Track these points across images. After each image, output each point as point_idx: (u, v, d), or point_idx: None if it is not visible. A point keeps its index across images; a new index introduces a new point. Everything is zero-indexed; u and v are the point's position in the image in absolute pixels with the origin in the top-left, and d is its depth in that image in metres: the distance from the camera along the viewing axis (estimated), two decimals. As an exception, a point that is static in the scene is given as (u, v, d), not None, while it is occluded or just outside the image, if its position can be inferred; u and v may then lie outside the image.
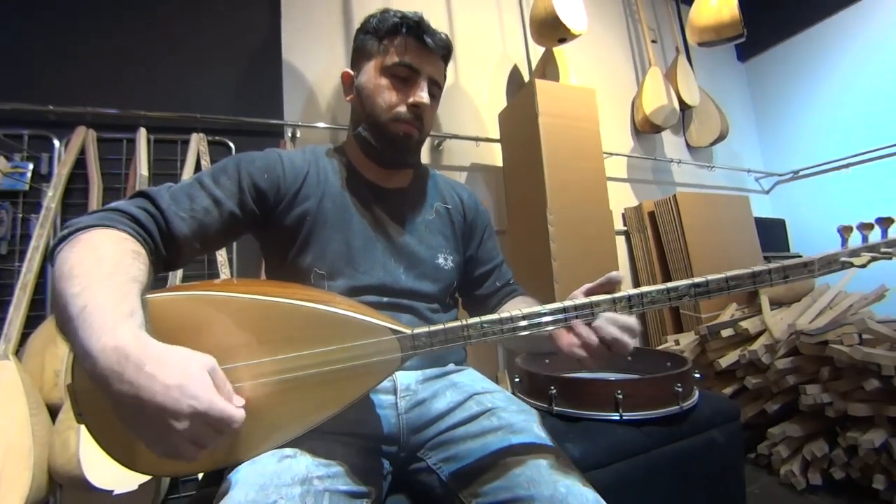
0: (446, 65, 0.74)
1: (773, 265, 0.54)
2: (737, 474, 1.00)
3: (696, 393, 0.93)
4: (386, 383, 0.64)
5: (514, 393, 0.94)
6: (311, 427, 0.51)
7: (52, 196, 1.31)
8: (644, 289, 0.53)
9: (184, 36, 1.58)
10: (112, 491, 0.99)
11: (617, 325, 0.51)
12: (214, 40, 1.61)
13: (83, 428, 0.55)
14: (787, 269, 0.53)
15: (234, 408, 0.41)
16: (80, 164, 1.39)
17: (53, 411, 1.08)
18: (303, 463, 0.49)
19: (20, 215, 1.33)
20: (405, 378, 0.65)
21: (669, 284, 0.53)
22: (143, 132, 1.43)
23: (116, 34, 1.51)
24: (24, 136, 1.39)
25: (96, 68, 1.47)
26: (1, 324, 1.15)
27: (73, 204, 1.37)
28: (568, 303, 0.53)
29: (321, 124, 1.66)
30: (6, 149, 1.35)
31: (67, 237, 0.48)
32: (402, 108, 0.68)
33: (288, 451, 0.50)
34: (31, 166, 1.38)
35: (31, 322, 1.18)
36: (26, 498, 0.93)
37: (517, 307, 0.53)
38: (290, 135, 1.62)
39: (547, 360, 1.10)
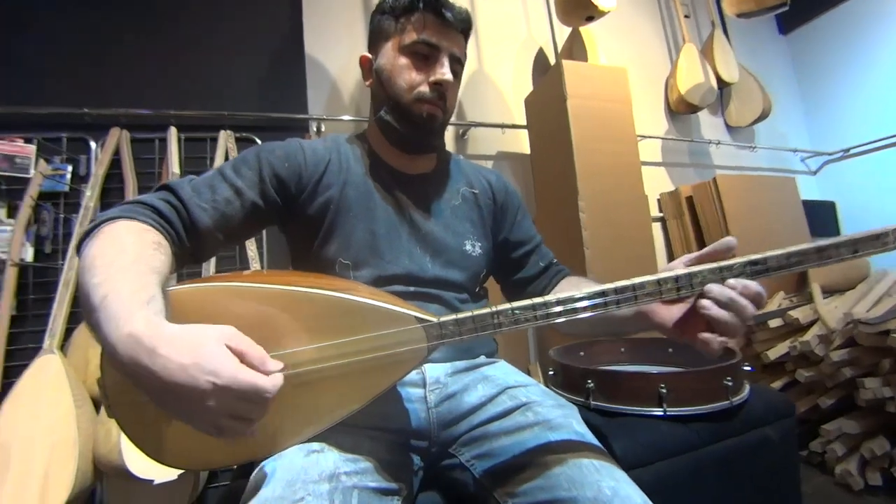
0: (466, 40, 0.71)
1: (840, 238, 0.47)
2: (791, 475, 0.93)
3: (747, 387, 0.86)
4: (414, 376, 0.61)
5: (547, 386, 0.90)
6: (337, 420, 0.49)
7: (90, 196, 1.35)
8: (693, 269, 0.48)
9: (208, 35, 1.61)
10: (152, 480, 1.01)
11: (745, 292, 0.46)
12: (238, 38, 1.63)
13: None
14: (857, 241, 0.47)
15: (260, 377, 0.38)
16: (116, 164, 1.43)
17: (97, 403, 1.12)
18: (330, 458, 0.47)
19: (62, 215, 1.39)
20: (434, 371, 0.63)
21: (722, 263, 0.48)
22: (173, 131, 1.46)
23: (143, 35, 1.55)
24: (63, 138, 1.44)
25: (126, 70, 1.51)
26: (46, 319, 1.20)
27: (111, 203, 1.41)
28: (608, 286, 0.48)
29: (346, 117, 1.67)
30: (47, 152, 1.40)
31: (92, 230, 0.48)
32: (425, 88, 0.65)
33: (315, 445, 0.49)
34: (70, 168, 1.43)
35: (75, 317, 1.23)
36: (72, 487, 0.96)
37: (577, 289, 0.48)
38: (314, 129, 1.63)
39: (581, 353, 1.06)
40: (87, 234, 0.48)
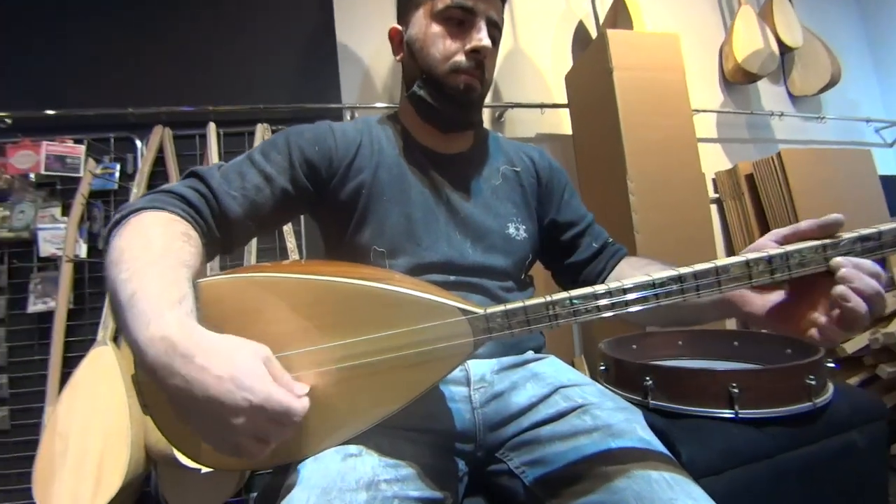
0: (504, 4, 0.64)
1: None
2: (881, 484, 0.82)
3: (831, 387, 0.76)
4: (457, 373, 0.57)
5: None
6: (376, 421, 0.46)
7: (136, 193, 1.39)
8: (790, 247, 0.40)
9: (241, 29, 1.63)
10: (200, 469, 1.03)
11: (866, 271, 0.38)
12: (269, 30, 1.64)
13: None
14: None
15: (293, 398, 0.37)
16: (160, 161, 1.48)
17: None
18: (368, 463, 0.44)
19: (112, 212, 1.44)
20: (478, 368, 0.58)
21: (826, 240, 0.40)
22: (212, 127, 1.49)
23: (180, 33, 1.58)
24: (111, 138, 1.50)
25: (165, 68, 1.56)
26: (99, 312, 1.25)
27: (156, 199, 1.46)
28: (685, 269, 0.41)
29: (379, 104, 1.66)
30: (96, 152, 1.46)
31: (119, 222, 0.46)
32: (461, 57, 0.60)
33: (352, 448, 0.46)
34: (118, 166, 1.48)
35: (126, 310, 1.27)
36: (126, 473, 1.00)
37: (642, 273, 0.42)
38: (348, 117, 1.62)
39: (634, 346, 0.98)
40: (115, 226, 0.46)
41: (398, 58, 0.67)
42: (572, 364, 1.51)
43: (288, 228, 1.44)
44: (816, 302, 0.42)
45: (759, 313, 0.45)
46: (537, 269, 0.75)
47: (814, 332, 0.41)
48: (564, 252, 0.72)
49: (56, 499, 0.97)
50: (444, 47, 0.60)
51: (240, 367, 0.36)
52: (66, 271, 1.28)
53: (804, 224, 0.42)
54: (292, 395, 0.38)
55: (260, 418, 0.36)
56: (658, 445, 0.49)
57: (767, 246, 0.42)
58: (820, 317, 0.41)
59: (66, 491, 0.98)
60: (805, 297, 0.42)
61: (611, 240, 0.73)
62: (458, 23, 0.60)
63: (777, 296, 0.45)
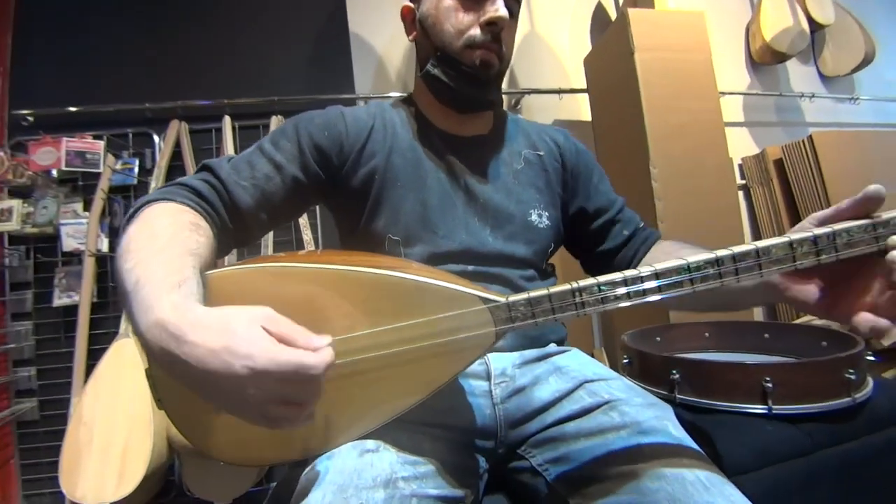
0: None
1: None
2: (923, 483, 0.78)
3: (871, 381, 0.72)
4: (477, 367, 0.55)
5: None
6: (394, 416, 0.44)
7: (154, 188, 1.40)
8: (837, 226, 0.37)
9: (253, 21, 1.63)
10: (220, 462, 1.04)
11: None
12: (282, 21, 1.64)
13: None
14: None
15: (303, 353, 0.34)
16: (178, 156, 1.49)
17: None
18: (386, 460, 0.43)
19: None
20: (499, 361, 0.56)
21: (875, 219, 0.36)
22: (227, 120, 1.49)
23: (193, 28, 1.59)
24: (129, 134, 1.51)
25: (180, 63, 1.57)
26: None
27: (174, 193, 1.47)
28: (723, 251, 0.38)
29: (393, 93, 1.64)
30: (116, 147, 1.48)
31: (133, 215, 0.46)
32: (476, 31, 0.57)
33: (370, 443, 0.44)
34: (137, 162, 1.50)
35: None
36: (149, 462, 1.02)
37: (677, 257, 0.39)
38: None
39: (658, 338, 0.94)
40: (129, 220, 0.46)
41: (411, 37, 0.65)
42: (591, 356, 1.48)
43: (304, 221, 1.44)
44: (866, 285, 0.38)
45: (804, 298, 0.41)
46: (558, 258, 0.72)
47: (863, 318, 0.37)
48: (594, 240, 0.69)
49: (81, 487, 1.00)
50: (457, 21, 0.57)
51: (234, 336, 0.33)
52: (89, 265, 1.31)
53: (845, 203, 0.38)
54: (303, 349, 0.34)
55: (272, 382, 0.33)
56: (691, 443, 0.46)
57: (808, 228, 0.38)
58: (872, 300, 0.38)
59: (92, 479, 1.00)
60: (853, 281, 0.39)
61: (642, 224, 0.70)
62: None
63: (822, 279, 0.41)
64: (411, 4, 0.64)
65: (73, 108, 1.43)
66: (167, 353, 0.33)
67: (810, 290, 0.41)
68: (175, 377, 0.35)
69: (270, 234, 1.41)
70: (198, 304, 0.36)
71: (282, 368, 0.32)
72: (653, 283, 0.38)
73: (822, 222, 0.38)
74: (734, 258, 0.37)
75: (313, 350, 0.34)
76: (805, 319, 1.46)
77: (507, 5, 0.57)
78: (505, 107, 1.71)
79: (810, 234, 0.37)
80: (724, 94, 1.76)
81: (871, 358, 0.74)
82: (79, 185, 1.44)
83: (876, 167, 1.72)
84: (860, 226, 0.37)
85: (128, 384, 1.11)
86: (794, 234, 0.37)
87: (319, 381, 0.34)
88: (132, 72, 1.53)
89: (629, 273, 0.38)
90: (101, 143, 1.42)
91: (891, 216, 0.36)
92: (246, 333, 0.33)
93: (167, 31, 1.57)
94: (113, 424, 1.05)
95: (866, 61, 2.03)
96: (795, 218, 1.72)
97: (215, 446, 0.47)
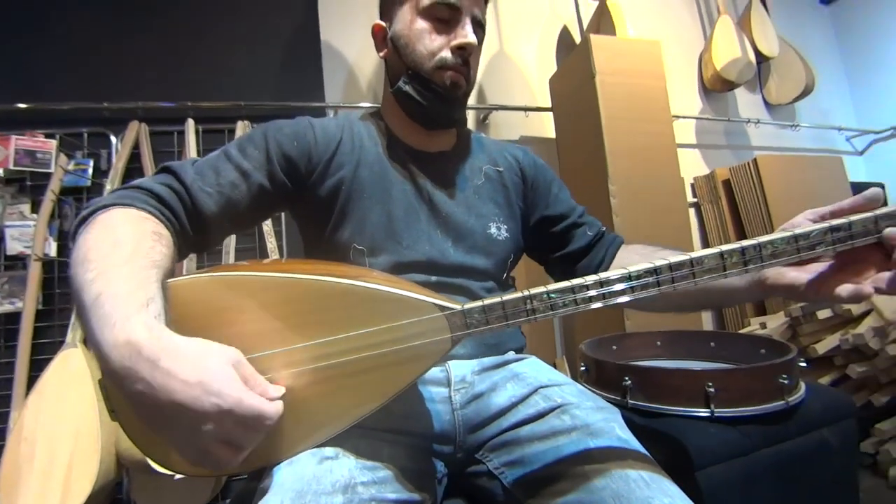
0: (486, 2, 0.65)
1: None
2: (851, 480, 0.85)
3: (803, 386, 0.78)
4: (438, 374, 0.56)
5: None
6: (353, 422, 0.45)
7: (110, 191, 1.34)
8: (762, 238, 0.40)
9: (223, 24, 1.59)
10: (173, 475, 1.00)
11: None
12: (252, 26, 1.61)
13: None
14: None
15: (265, 402, 0.36)
16: (136, 158, 1.43)
17: (119, 397, 1.12)
18: (345, 465, 0.43)
19: (84, 210, 1.39)
20: (459, 368, 0.57)
21: (798, 231, 0.40)
22: (191, 123, 1.45)
23: (158, 27, 1.53)
24: (84, 133, 1.44)
25: (143, 63, 1.51)
26: (69, 313, 1.21)
27: (130, 197, 1.41)
28: (711, 249, 0.41)
29: (364, 104, 1.64)
30: (69, 147, 1.41)
31: (87, 219, 0.44)
32: (447, 53, 0.60)
33: (328, 450, 0.45)
34: (91, 163, 1.43)
35: (97, 311, 1.23)
36: (95, 479, 0.96)
37: (645, 259, 0.41)
38: (332, 116, 1.59)
39: (614, 346, 0.99)
40: (82, 223, 0.44)
41: (382, 54, 0.66)
42: (554, 366, 1.52)
43: (269, 229, 1.41)
44: (862, 270, 0.42)
45: (795, 285, 0.44)
46: (518, 271, 0.75)
47: (844, 287, 0.40)
48: (558, 243, 0.72)
49: (20, 507, 0.93)
50: (430, 43, 0.60)
51: (208, 372, 0.34)
52: (35, 270, 1.23)
53: (845, 203, 0.42)
54: (264, 398, 0.37)
55: (230, 424, 0.35)
56: (636, 444, 0.49)
57: (801, 224, 0.42)
58: (876, 274, 0.41)
59: (33, 498, 0.94)
60: (849, 267, 0.42)
61: (605, 228, 0.73)
62: (443, 21, 0.60)
63: (816, 267, 0.44)
64: (382, 23, 0.66)
65: (23, 105, 1.36)
66: (132, 374, 0.33)
67: (800, 279, 0.44)
68: (128, 397, 0.35)
69: (233, 241, 1.37)
70: (167, 328, 0.36)
71: (244, 412, 0.35)
72: (597, 291, 0.41)
73: (821, 218, 0.42)
74: (692, 262, 0.40)
75: (269, 399, 0.37)
76: (749, 330, 1.56)
77: (474, 33, 0.60)
78: (473, 121, 1.77)
79: (818, 227, 0.40)
80: (677, 117, 1.87)
81: (803, 364, 0.80)
82: (27, 185, 1.36)
83: (813, 189, 1.86)
84: (865, 219, 0.40)
85: (73, 397, 1.05)
86: (799, 229, 0.40)
87: (267, 430, 0.37)
88: (90, 69, 1.46)
89: (576, 282, 0.41)
90: (54, 143, 1.35)
91: (890, 209, 0.40)
92: (220, 371, 0.35)
93: (130, 27, 1.50)
94: (56, 440, 0.99)
95: (806, 91, 2.21)
96: (741, 234, 1.84)
97: (173, 458, 0.45)
